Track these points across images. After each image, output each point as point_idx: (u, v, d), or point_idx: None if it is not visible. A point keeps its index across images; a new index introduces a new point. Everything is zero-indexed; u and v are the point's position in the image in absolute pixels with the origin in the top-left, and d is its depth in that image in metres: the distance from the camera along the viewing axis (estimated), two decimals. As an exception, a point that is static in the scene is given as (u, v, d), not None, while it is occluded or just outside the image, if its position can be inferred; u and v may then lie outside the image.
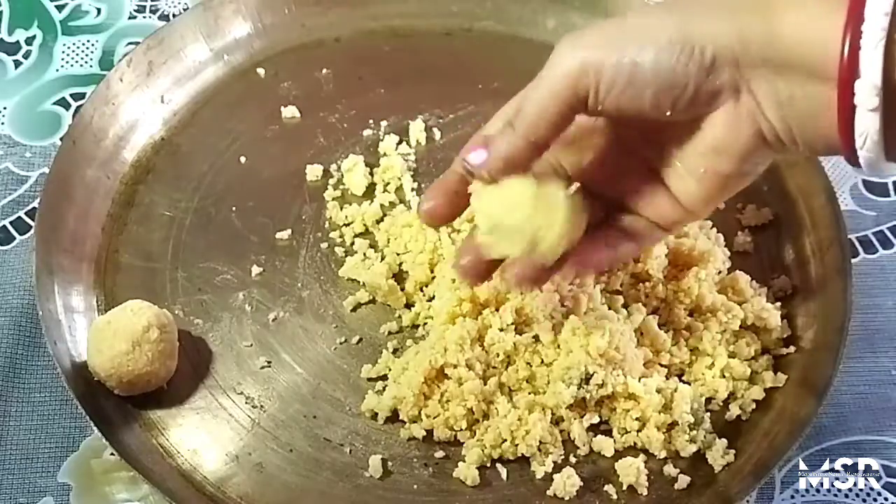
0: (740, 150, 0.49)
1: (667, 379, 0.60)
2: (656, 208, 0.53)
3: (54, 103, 0.73)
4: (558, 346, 0.59)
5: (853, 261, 0.65)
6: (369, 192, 0.68)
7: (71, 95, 0.74)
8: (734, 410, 0.60)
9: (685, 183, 0.51)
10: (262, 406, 0.60)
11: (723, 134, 0.48)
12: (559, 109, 0.48)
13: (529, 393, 0.59)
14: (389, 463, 0.58)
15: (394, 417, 0.60)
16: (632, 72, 0.46)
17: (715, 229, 0.66)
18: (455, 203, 0.53)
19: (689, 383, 0.60)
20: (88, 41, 0.77)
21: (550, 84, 0.48)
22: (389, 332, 0.63)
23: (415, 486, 0.58)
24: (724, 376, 0.61)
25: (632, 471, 0.57)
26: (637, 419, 0.58)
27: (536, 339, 0.59)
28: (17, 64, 0.75)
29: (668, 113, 0.48)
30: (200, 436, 0.59)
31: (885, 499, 0.60)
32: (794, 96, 0.46)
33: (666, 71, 0.46)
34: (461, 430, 0.58)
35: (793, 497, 0.60)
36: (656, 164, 0.52)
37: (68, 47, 0.76)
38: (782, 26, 0.44)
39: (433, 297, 0.63)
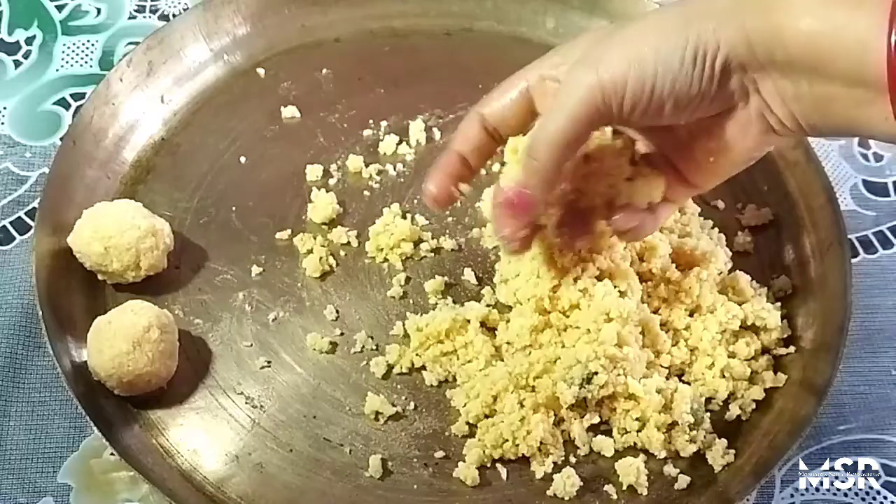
0: (750, 144, 0.51)
1: (667, 379, 0.60)
2: (673, 190, 0.55)
3: (54, 103, 0.73)
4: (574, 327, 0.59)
5: (853, 261, 0.65)
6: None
7: (71, 95, 0.74)
8: (734, 410, 0.60)
9: (694, 167, 0.53)
10: (262, 406, 0.60)
11: (734, 133, 0.50)
12: (580, 134, 0.50)
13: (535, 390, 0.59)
14: (389, 463, 0.58)
15: (395, 417, 0.60)
16: (651, 90, 0.48)
17: (716, 229, 0.66)
18: (456, 187, 0.56)
19: (689, 383, 0.60)
20: (88, 41, 0.77)
21: (572, 112, 0.49)
22: (390, 332, 0.63)
23: (415, 486, 0.58)
24: (724, 376, 0.61)
25: (632, 471, 0.57)
26: (637, 419, 0.58)
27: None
28: (17, 64, 0.75)
29: (683, 121, 0.50)
30: (200, 436, 0.59)
31: (885, 497, 0.60)
32: (800, 94, 0.47)
33: (682, 85, 0.47)
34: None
35: (792, 496, 0.60)
36: (667, 152, 0.54)
37: (68, 47, 0.76)
38: (789, 29, 0.45)
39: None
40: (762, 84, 0.48)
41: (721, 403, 0.61)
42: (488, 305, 0.63)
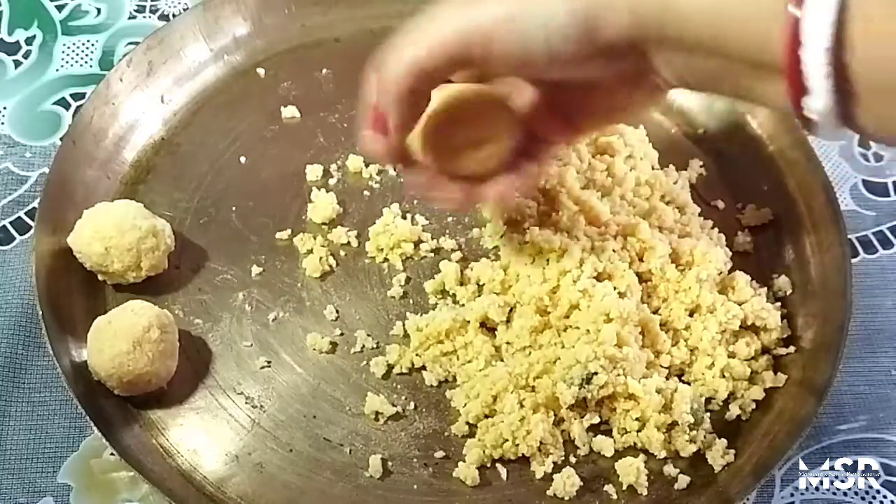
0: (637, 104, 0.53)
1: (667, 379, 0.60)
2: (556, 133, 0.57)
3: (54, 103, 0.73)
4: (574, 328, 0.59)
5: (853, 261, 0.65)
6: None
7: (71, 95, 0.74)
8: (734, 410, 0.60)
9: (582, 116, 0.55)
10: (262, 406, 0.60)
11: (622, 95, 0.52)
12: (435, 70, 0.49)
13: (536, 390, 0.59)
14: (389, 463, 0.58)
15: (395, 417, 0.60)
16: (525, 56, 0.48)
17: (716, 229, 0.66)
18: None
19: (689, 383, 0.60)
20: (88, 41, 0.77)
21: (431, 46, 0.49)
22: (390, 332, 0.63)
23: (415, 486, 0.58)
24: (724, 376, 0.61)
25: (632, 471, 0.57)
26: (637, 419, 0.58)
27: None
28: (17, 64, 0.75)
29: (558, 79, 0.50)
30: (200, 436, 0.59)
31: (885, 497, 0.60)
32: (694, 67, 0.47)
33: (563, 57, 0.47)
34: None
35: (792, 496, 0.60)
36: (551, 98, 0.54)
37: (68, 47, 0.76)
38: (683, 8, 0.44)
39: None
40: (653, 57, 0.47)
41: (721, 403, 0.61)
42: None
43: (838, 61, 0.40)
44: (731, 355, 0.61)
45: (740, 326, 0.62)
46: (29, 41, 0.76)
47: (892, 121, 0.42)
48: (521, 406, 0.58)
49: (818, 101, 0.42)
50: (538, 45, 0.47)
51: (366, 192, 0.69)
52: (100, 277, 0.62)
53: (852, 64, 0.40)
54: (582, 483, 0.57)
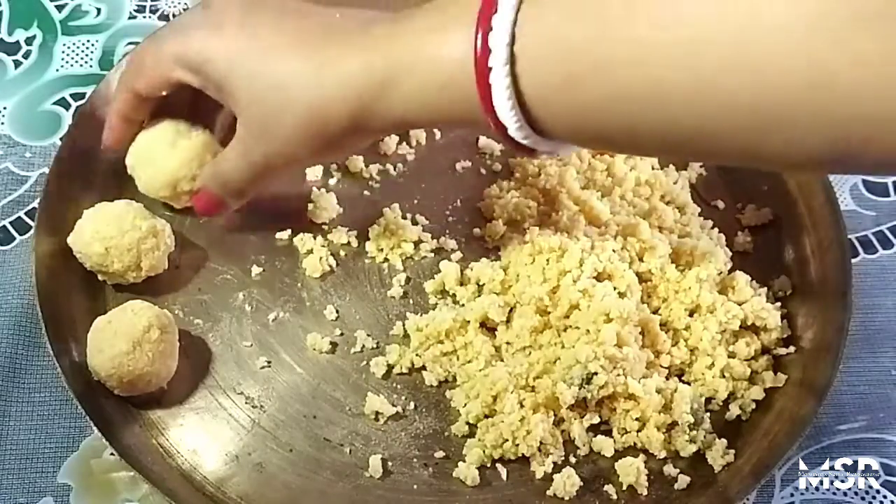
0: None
1: (667, 379, 0.60)
2: None
3: (54, 103, 0.73)
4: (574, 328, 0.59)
5: (853, 261, 0.65)
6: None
7: (71, 95, 0.74)
8: (734, 410, 0.60)
9: None
10: (262, 406, 0.60)
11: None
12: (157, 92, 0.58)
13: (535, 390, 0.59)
14: (389, 463, 0.58)
15: (395, 417, 0.60)
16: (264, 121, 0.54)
17: (716, 229, 0.66)
18: (131, 129, 0.62)
19: (689, 383, 0.61)
20: (88, 41, 0.77)
21: (162, 76, 0.57)
22: (390, 332, 0.63)
23: (415, 486, 0.58)
24: (723, 376, 0.61)
25: (632, 471, 0.57)
26: (637, 419, 0.58)
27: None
28: (17, 64, 0.75)
29: None
30: (200, 436, 0.59)
31: (885, 497, 0.60)
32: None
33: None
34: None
35: (792, 496, 0.60)
36: None
37: (68, 47, 0.76)
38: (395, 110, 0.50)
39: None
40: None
41: (721, 403, 0.61)
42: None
43: (514, 74, 0.45)
44: (731, 355, 0.61)
45: (740, 326, 0.62)
46: (29, 41, 0.76)
47: (564, 117, 0.46)
48: (521, 406, 0.58)
49: (510, 121, 0.46)
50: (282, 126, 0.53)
51: (366, 192, 0.69)
52: (100, 277, 0.62)
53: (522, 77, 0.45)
54: (582, 483, 0.57)
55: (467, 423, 0.59)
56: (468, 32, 0.45)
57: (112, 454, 0.57)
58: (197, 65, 0.54)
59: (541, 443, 0.58)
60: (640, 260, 0.63)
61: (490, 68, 0.45)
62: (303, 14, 0.54)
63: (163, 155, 0.61)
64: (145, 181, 0.63)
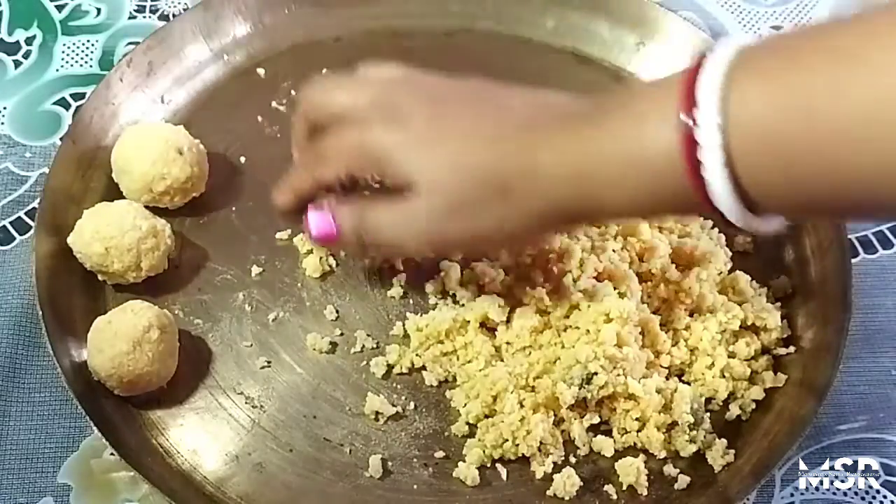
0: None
1: (667, 379, 0.60)
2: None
3: (54, 103, 0.73)
4: (574, 328, 0.59)
5: (853, 261, 0.65)
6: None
7: (71, 95, 0.74)
8: (734, 410, 0.60)
9: None
10: (262, 406, 0.60)
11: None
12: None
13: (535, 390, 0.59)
14: (389, 463, 0.58)
15: (395, 417, 0.60)
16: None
17: (716, 229, 0.66)
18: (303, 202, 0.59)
19: (689, 383, 0.60)
20: (88, 41, 0.77)
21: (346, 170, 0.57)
22: (390, 332, 0.63)
23: (415, 486, 0.58)
24: (724, 376, 0.61)
25: (632, 471, 0.57)
26: (637, 419, 0.58)
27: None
28: (17, 64, 0.75)
29: None
30: (200, 436, 0.59)
31: (885, 497, 0.60)
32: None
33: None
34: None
35: (792, 496, 0.60)
36: None
37: (68, 47, 0.76)
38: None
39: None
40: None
41: (721, 403, 0.61)
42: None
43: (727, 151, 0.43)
44: (731, 355, 0.61)
45: (740, 326, 0.62)
46: (29, 41, 0.76)
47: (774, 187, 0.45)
48: (521, 406, 0.58)
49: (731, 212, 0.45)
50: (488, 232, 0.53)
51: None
52: (100, 277, 0.62)
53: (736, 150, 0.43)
54: (582, 483, 0.57)
55: (467, 423, 0.59)
56: (670, 127, 0.44)
57: (112, 454, 0.57)
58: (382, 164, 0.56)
59: (541, 443, 0.58)
60: (641, 260, 0.63)
61: (700, 162, 0.44)
62: (499, 106, 0.55)
63: (131, 162, 0.63)
64: (126, 192, 0.65)
